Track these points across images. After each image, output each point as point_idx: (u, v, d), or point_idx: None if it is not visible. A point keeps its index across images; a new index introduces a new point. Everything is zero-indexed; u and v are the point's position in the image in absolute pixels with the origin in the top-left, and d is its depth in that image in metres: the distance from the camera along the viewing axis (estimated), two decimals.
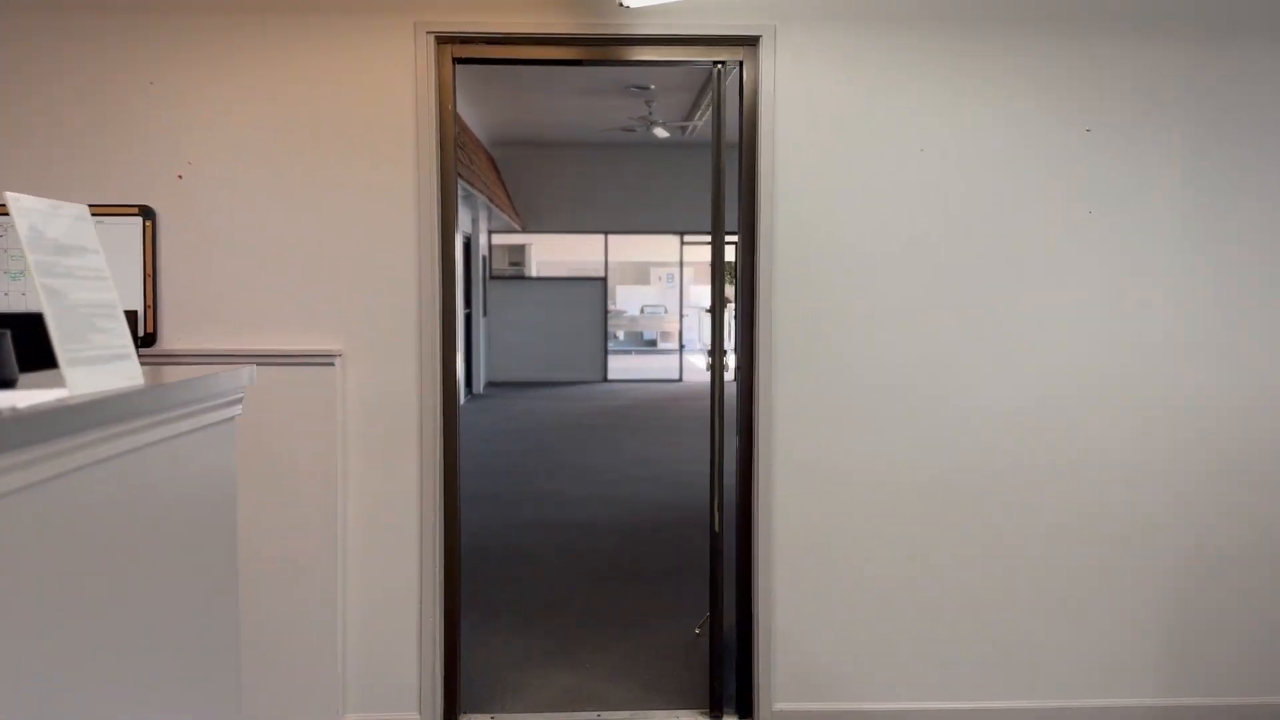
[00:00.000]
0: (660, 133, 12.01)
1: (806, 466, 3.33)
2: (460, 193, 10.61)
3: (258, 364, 3.22)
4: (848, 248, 3.31)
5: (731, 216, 3.38)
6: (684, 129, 12.73)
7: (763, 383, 3.32)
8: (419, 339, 3.30)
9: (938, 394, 3.34)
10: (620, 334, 22.98)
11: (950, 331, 3.33)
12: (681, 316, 16.77)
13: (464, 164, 9.66)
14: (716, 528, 3.35)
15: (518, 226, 14.43)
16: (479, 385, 13.85)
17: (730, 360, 3.55)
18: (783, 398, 3.32)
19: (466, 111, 11.45)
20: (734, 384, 3.47)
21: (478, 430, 10.42)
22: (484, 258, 14.58)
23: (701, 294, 25.78)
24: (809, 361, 3.32)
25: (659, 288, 25.54)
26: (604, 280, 15.35)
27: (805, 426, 3.32)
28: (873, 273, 3.31)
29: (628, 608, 4.65)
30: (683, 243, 15.48)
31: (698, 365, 17.95)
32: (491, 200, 11.59)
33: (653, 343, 23.49)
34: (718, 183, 3.33)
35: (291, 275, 3.28)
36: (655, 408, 12.43)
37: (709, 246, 3.39)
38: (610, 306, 16.89)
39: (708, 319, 19.13)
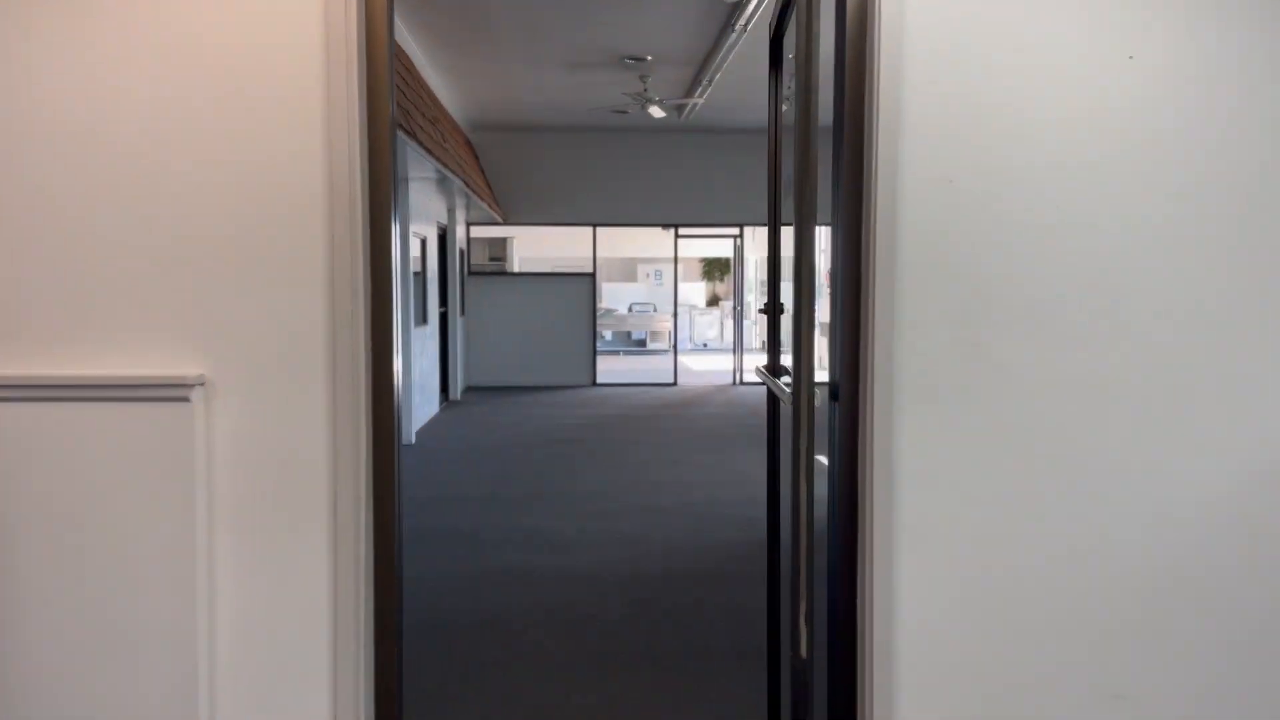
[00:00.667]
0: (656, 112, 10.80)
1: (952, 553, 2.13)
2: (434, 176, 9.35)
3: (70, 399, 1.99)
4: (1025, 218, 2.10)
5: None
6: (682, 109, 11.54)
7: (878, 422, 2.11)
8: (332, 359, 2.08)
9: (1162, 448, 2.14)
10: (608, 334, 21.77)
11: (1180, 351, 2.13)
12: (675, 315, 15.51)
13: (436, 142, 8.42)
14: (804, 650, 2.14)
15: (498, 218, 13.28)
16: (456, 391, 12.64)
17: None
18: (911, 447, 2.11)
19: (440, 91, 10.25)
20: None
21: (453, 446, 9.19)
22: (461, 251, 13.40)
23: (692, 292, 24.61)
24: (958, 393, 2.11)
25: (647, 285, 24.37)
26: (592, 276, 14.13)
27: (949, 492, 2.12)
28: (1067, 255, 2.11)
29: (645, 716, 3.43)
30: (677, 236, 14.24)
31: (692, 368, 16.73)
32: (469, 187, 10.35)
33: (641, 343, 22.30)
34: (805, 133, 2.11)
35: (125, 260, 2.05)
36: (652, 416, 11.22)
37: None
38: (599, 304, 15.66)
39: (700, 318, 17.96)
